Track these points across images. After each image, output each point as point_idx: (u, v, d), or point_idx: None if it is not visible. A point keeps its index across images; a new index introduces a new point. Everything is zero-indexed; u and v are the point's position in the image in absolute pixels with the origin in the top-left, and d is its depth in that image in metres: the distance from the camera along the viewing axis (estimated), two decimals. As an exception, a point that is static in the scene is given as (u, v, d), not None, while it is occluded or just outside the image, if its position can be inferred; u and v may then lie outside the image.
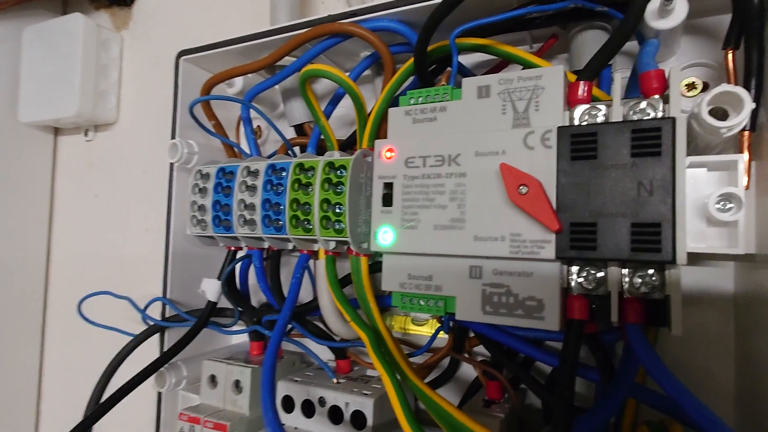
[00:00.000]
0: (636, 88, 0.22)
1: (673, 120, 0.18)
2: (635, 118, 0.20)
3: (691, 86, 0.26)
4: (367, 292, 0.27)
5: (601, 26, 0.26)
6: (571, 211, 0.19)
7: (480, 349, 0.30)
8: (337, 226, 0.27)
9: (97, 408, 0.29)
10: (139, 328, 0.35)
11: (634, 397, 0.22)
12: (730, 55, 0.22)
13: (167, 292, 0.36)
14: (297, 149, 0.36)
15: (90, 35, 0.48)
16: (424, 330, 0.32)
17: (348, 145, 0.33)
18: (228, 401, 0.31)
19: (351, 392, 0.28)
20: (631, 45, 0.26)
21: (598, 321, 0.20)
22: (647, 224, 0.18)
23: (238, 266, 0.35)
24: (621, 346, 0.23)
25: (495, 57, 0.28)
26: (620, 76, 0.20)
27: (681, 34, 0.26)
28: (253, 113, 0.35)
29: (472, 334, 0.30)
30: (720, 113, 0.20)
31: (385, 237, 0.24)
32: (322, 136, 0.31)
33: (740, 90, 0.19)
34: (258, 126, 0.42)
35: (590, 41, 0.26)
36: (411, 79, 0.29)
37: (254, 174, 0.30)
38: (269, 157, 0.33)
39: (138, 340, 0.35)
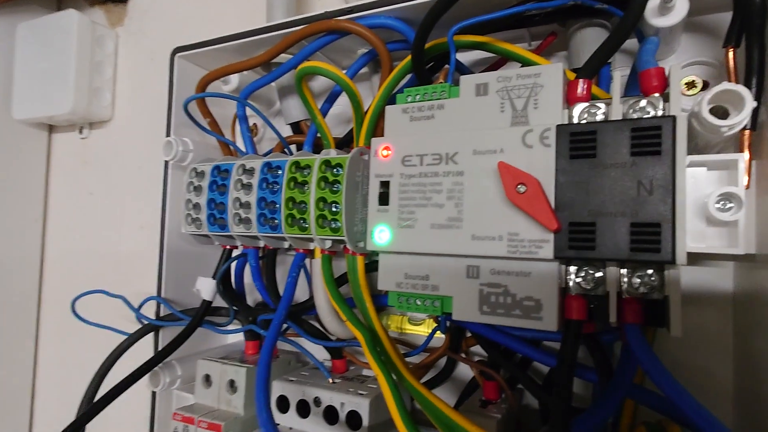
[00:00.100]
0: (636, 87, 0.21)
1: (674, 118, 0.18)
2: (635, 116, 0.19)
3: (691, 85, 0.26)
4: (363, 292, 0.26)
5: (600, 24, 0.26)
6: (570, 211, 0.19)
7: (477, 349, 0.30)
8: (334, 225, 0.27)
9: (91, 407, 0.29)
10: (134, 326, 0.35)
11: (632, 397, 0.22)
12: (730, 54, 0.22)
13: (162, 291, 0.35)
14: (293, 147, 0.35)
15: (84, 32, 0.48)
16: (421, 330, 0.32)
17: (345, 143, 0.32)
18: (222, 401, 0.31)
19: (347, 392, 0.27)
20: (631, 43, 0.26)
21: (596, 321, 0.20)
22: (647, 224, 0.18)
23: (233, 265, 0.34)
24: (619, 347, 0.23)
25: (493, 55, 0.28)
26: (620, 74, 0.20)
27: (681, 32, 0.25)
28: (249, 111, 0.35)
29: (469, 334, 0.29)
30: (720, 112, 0.20)
31: (381, 236, 0.24)
32: (318, 134, 0.30)
33: (741, 88, 0.18)
34: (254, 124, 0.41)
35: (589, 39, 0.26)
36: (408, 76, 0.28)
37: (250, 172, 0.30)
38: (265, 155, 0.33)
39: (132, 339, 0.34)
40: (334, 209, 0.27)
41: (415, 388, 0.22)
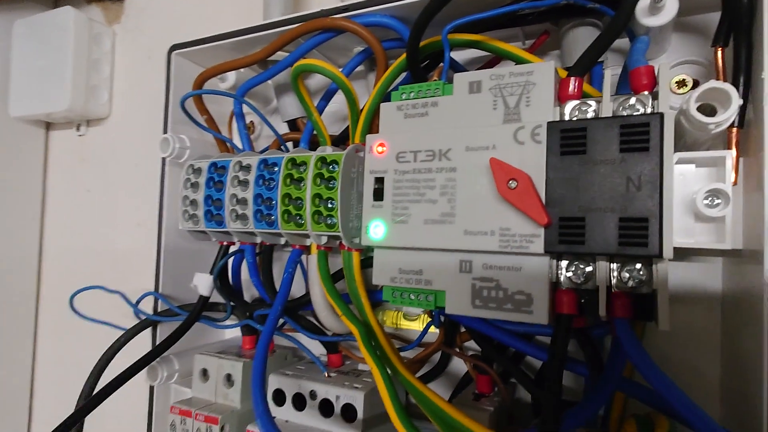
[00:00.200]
0: (627, 85, 0.22)
1: (661, 115, 0.18)
2: (625, 113, 0.20)
3: (681, 83, 0.26)
4: (358, 287, 0.27)
5: (592, 23, 0.26)
6: (560, 206, 0.19)
7: (471, 344, 0.30)
8: (329, 221, 0.27)
9: (89, 400, 0.29)
10: (132, 322, 0.35)
11: (622, 390, 0.22)
12: (719, 53, 0.22)
13: (159, 287, 0.35)
14: (290, 144, 0.36)
15: (81, 29, 0.48)
16: (416, 325, 0.32)
17: (341, 140, 0.33)
18: (219, 395, 0.31)
19: (342, 386, 0.28)
20: (623, 42, 0.26)
21: (587, 315, 0.20)
22: (635, 219, 0.18)
23: (230, 261, 0.35)
24: (610, 341, 0.23)
25: (487, 53, 0.28)
26: (610, 72, 0.20)
27: (671, 32, 0.26)
28: (246, 108, 0.35)
29: (463, 329, 0.30)
30: (709, 110, 0.20)
31: (376, 231, 0.24)
32: (314, 132, 0.31)
33: (728, 86, 0.19)
34: (251, 121, 0.41)
35: (582, 38, 0.26)
36: (404, 74, 0.29)
37: (246, 169, 0.30)
38: (262, 152, 0.33)
39: (130, 334, 0.35)
40: (329, 205, 0.27)
41: (409, 382, 0.23)
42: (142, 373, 0.32)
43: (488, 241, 0.21)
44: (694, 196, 0.20)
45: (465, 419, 0.20)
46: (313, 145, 0.33)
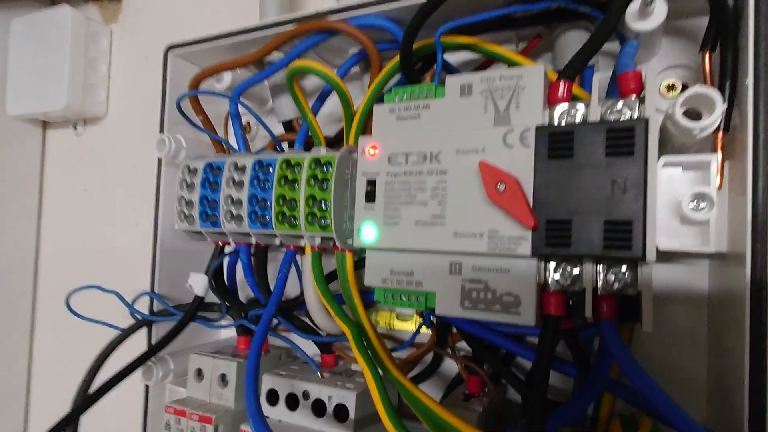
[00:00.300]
0: (616, 89, 0.22)
1: (646, 121, 0.18)
2: (612, 117, 0.20)
3: (670, 87, 0.26)
4: (351, 288, 0.27)
5: (584, 27, 0.26)
6: (548, 209, 0.20)
7: (464, 344, 0.31)
8: (323, 222, 0.27)
9: (85, 399, 0.29)
10: (128, 321, 0.36)
11: (608, 391, 0.23)
12: (707, 57, 0.23)
13: (155, 287, 0.36)
14: (285, 145, 0.36)
15: (79, 28, 0.48)
16: (409, 326, 0.32)
17: (337, 141, 0.33)
18: (214, 394, 0.32)
19: (335, 386, 0.28)
20: (615, 46, 0.26)
21: (574, 317, 0.21)
22: (619, 222, 0.18)
23: (225, 261, 0.35)
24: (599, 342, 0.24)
25: (481, 55, 0.28)
26: (598, 77, 0.20)
27: (661, 36, 0.26)
28: (241, 108, 0.35)
29: (455, 330, 0.30)
30: (695, 114, 0.21)
31: (368, 233, 0.24)
32: (309, 133, 0.31)
33: (712, 91, 0.19)
34: (247, 122, 0.42)
35: (573, 41, 0.26)
36: (398, 75, 0.29)
37: (241, 170, 0.30)
38: (257, 152, 0.33)
39: (126, 333, 0.35)
40: (323, 207, 0.27)
41: (399, 382, 0.23)
42: (138, 373, 0.32)
43: (477, 243, 0.21)
44: (680, 200, 0.21)
45: (453, 419, 0.20)
46: (309, 146, 0.33)
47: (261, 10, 0.37)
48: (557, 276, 0.21)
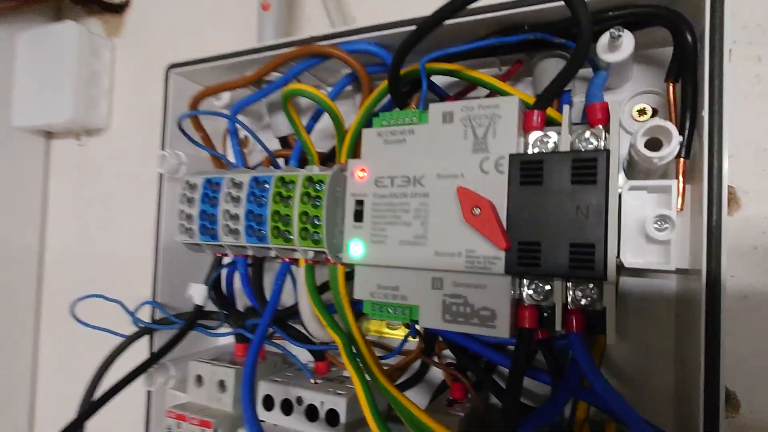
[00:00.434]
0: (587, 115, 0.24)
1: (608, 152, 0.20)
2: (581, 146, 0.22)
3: (642, 112, 0.28)
4: (342, 299, 0.29)
5: (560, 55, 0.28)
6: (520, 231, 0.21)
7: (449, 352, 0.32)
8: (316, 237, 0.29)
9: (90, 405, 0.31)
10: (131, 328, 0.37)
11: (579, 398, 0.24)
12: (671, 87, 0.24)
13: (157, 296, 0.37)
14: (281, 161, 0.37)
15: (83, 42, 0.49)
16: (399, 333, 0.34)
17: (329, 157, 0.35)
18: (213, 400, 0.33)
19: (326, 392, 0.30)
20: (591, 72, 0.28)
21: (548, 329, 0.22)
22: (583, 245, 0.20)
23: (224, 272, 0.37)
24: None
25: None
26: (568, 108, 0.22)
27: (632, 65, 0.28)
28: (239, 125, 0.37)
29: (441, 339, 0.32)
30: (658, 143, 0.22)
31: (356, 250, 0.26)
32: (304, 150, 0.33)
33: (668, 124, 0.21)
34: (245, 136, 0.43)
35: (551, 68, 0.28)
36: (388, 96, 0.30)
37: (239, 186, 0.32)
38: (254, 167, 0.35)
39: (128, 341, 0.37)
40: (316, 222, 0.29)
41: (385, 388, 0.25)
42: (140, 379, 0.34)
43: (456, 262, 0.23)
44: (645, 221, 0.22)
45: (434, 424, 0.22)
46: (303, 162, 0.34)
47: (259, 32, 0.38)
48: (531, 291, 0.22)
